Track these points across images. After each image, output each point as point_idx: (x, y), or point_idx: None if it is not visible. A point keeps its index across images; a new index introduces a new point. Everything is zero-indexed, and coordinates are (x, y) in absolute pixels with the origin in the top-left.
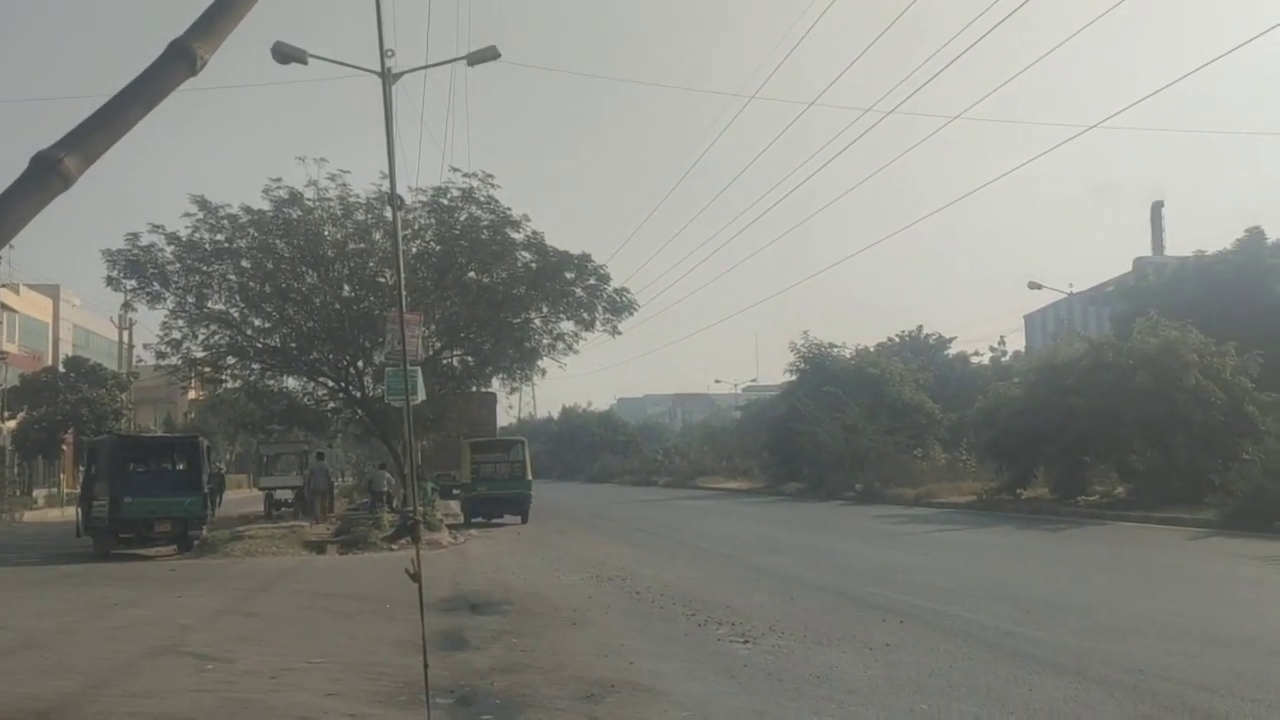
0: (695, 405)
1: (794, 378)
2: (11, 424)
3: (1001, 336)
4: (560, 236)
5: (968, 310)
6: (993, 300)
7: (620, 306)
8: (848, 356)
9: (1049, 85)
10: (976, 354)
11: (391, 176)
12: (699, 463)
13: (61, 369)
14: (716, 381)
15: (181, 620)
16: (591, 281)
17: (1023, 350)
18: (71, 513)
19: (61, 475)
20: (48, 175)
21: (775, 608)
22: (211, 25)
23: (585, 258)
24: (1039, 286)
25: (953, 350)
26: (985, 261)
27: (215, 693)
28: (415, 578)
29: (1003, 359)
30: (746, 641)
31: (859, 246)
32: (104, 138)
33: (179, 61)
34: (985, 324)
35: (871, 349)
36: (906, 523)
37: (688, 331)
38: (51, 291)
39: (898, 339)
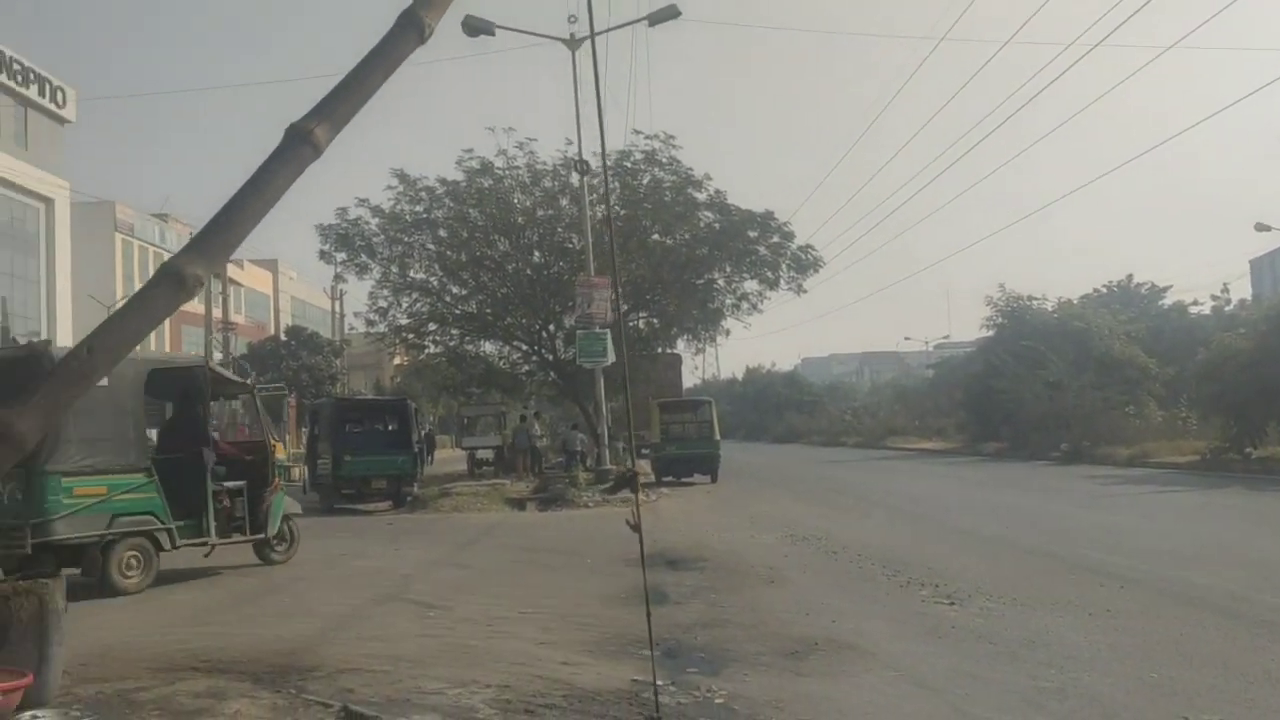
0: (883, 364)
1: (991, 333)
2: None
3: (1225, 284)
4: (743, 194)
5: (1185, 256)
6: (1213, 245)
7: (805, 264)
8: (1049, 309)
9: (1274, 7)
10: (1196, 303)
11: (579, 142)
12: (889, 422)
13: (283, 337)
14: (906, 339)
15: (402, 570)
16: (775, 239)
17: (1249, 298)
18: (297, 471)
19: (287, 436)
20: (300, 145)
21: (981, 569)
22: None
23: (768, 215)
24: (1267, 228)
25: (1168, 300)
26: (1204, 203)
27: (438, 638)
28: (636, 528)
29: (1226, 308)
30: (953, 603)
31: (1060, 192)
32: (348, 108)
33: (409, 31)
34: (1204, 271)
35: (1075, 301)
36: (1120, 484)
37: (875, 288)
38: (271, 266)
39: (1105, 289)
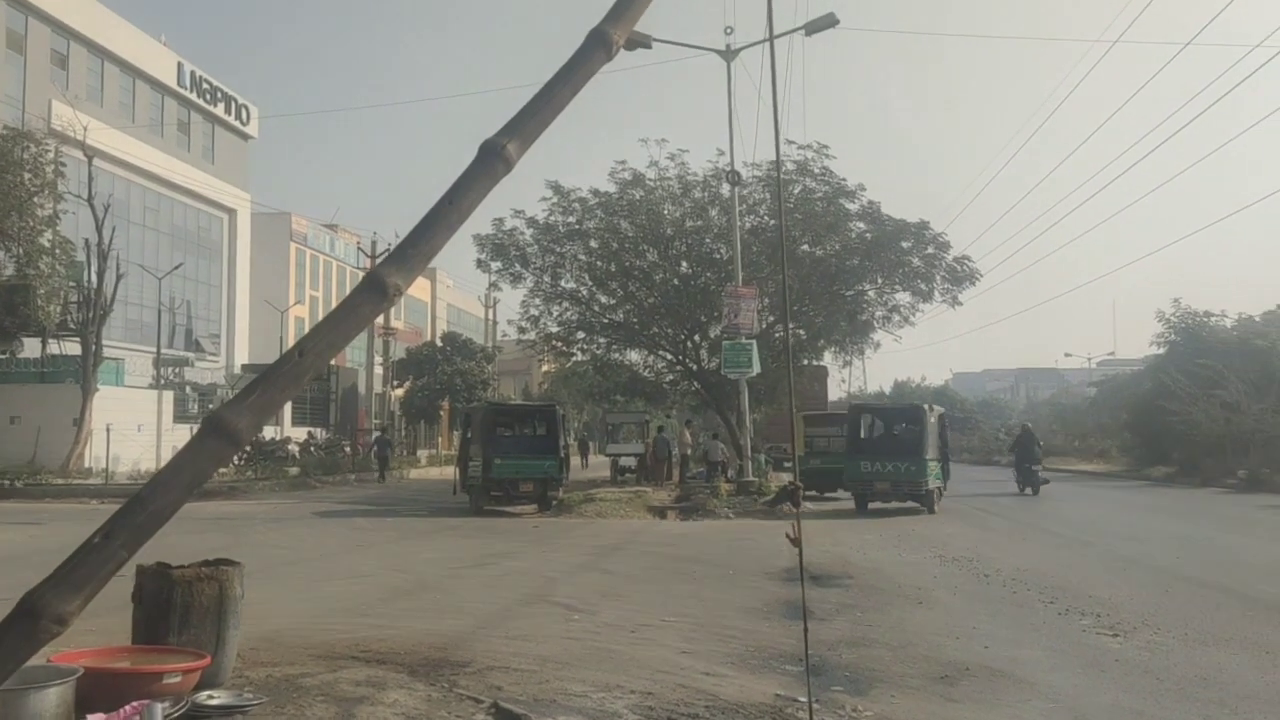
0: (1041, 380)
1: (1161, 350)
2: (400, 392)
3: None
4: (897, 204)
5: None
6: None
7: (961, 276)
8: (1228, 326)
9: None
10: None
11: (731, 153)
12: (1047, 443)
13: (439, 343)
14: (1066, 355)
15: (547, 572)
16: (929, 250)
17: None
18: (449, 471)
19: (440, 438)
20: (494, 160)
21: (1147, 600)
22: (624, 12)
23: (923, 225)
24: None
25: None
26: None
27: (582, 641)
28: (796, 543)
29: None
30: (1116, 635)
31: (1243, 202)
32: (538, 123)
33: (598, 48)
34: None
35: (1258, 318)
36: None
37: (1034, 301)
38: (429, 274)
39: None
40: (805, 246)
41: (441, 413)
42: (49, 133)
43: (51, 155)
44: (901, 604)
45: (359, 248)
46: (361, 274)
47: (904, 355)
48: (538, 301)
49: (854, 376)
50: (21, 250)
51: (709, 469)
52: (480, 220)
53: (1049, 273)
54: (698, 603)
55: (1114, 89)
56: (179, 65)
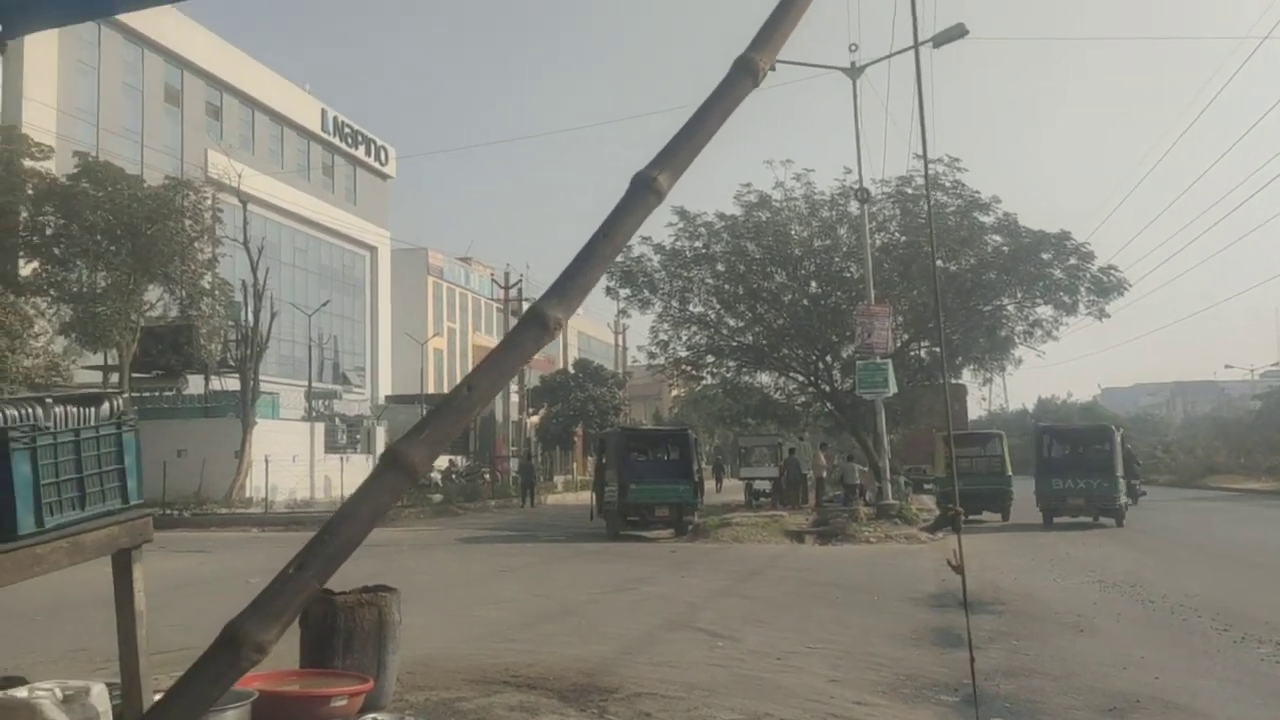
0: (1199, 394)
1: None
2: (535, 419)
3: None
4: (1035, 215)
5: None
6: None
7: (1107, 287)
8: None
9: None
10: None
11: (860, 170)
12: (1208, 459)
13: (571, 370)
14: (1227, 367)
15: (688, 598)
16: (1072, 261)
17: None
18: (584, 497)
19: (574, 463)
20: (645, 192)
21: None
22: (769, 38)
23: (1064, 236)
24: None
25: None
26: None
27: (728, 668)
28: (958, 569)
29: None
30: None
31: None
32: (687, 154)
33: (744, 76)
34: None
35: None
36: None
37: (1189, 311)
38: None
39: None
40: (939, 262)
41: (575, 438)
42: (206, 181)
43: (209, 202)
44: (1060, 631)
45: (493, 279)
46: (495, 305)
47: (1047, 371)
48: (666, 326)
49: (994, 394)
50: (185, 293)
51: (846, 492)
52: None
53: (1205, 280)
54: (843, 629)
55: (1270, 84)
56: (323, 112)
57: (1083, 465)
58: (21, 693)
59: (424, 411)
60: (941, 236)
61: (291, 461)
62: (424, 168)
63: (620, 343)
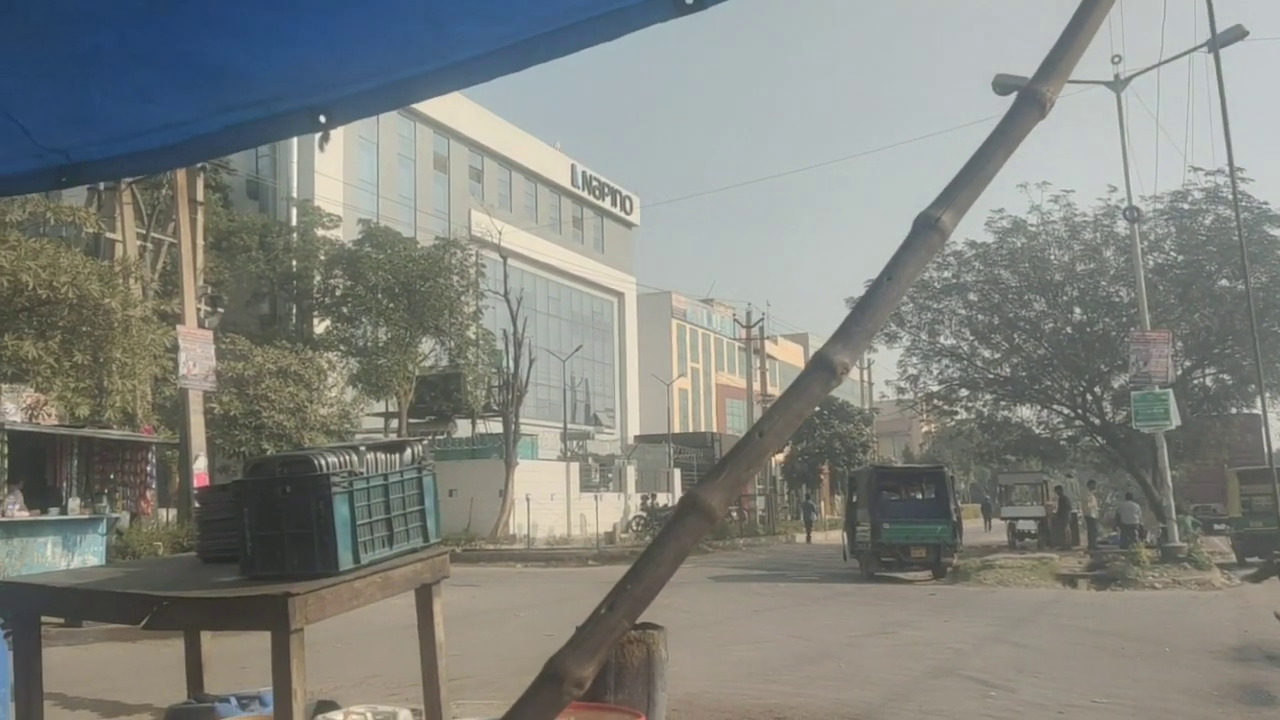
0: None
1: None
2: (780, 457)
3: None
4: None
5: None
6: None
7: None
8: None
9: None
10: None
11: (1128, 188)
12: None
13: (816, 408)
14: None
15: (953, 644)
16: None
17: None
18: (833, 535)
19: (821, 502)
20: (929, 232)
21: None
22: (1056, 66)
23: None
24: None
25: None
26: None
27: None
28: None
29: None
30: None
31: None
32: (971, 192)
33: (1030, 107)
34: None
35: None
36: None
37: None
38: (801, 339)
39: None
40: (1224, 281)
41: (821, 477)
42: (470, 239)
43: (474, 259)
44: None
45: (734, 319)
46: (738, 345)
47: None
48: (915, 360)
49: None
50: (453, 343)
51: (1124, 533)
52: (853, 283)
53: None
54: (1131, 683)
55: None
56: (572, 167)
57: None
58: (337, 717)
59: (671, 451)
60: (1226, 254)
61: (550, 500)
62: (666, 212)
63: (866, 378)
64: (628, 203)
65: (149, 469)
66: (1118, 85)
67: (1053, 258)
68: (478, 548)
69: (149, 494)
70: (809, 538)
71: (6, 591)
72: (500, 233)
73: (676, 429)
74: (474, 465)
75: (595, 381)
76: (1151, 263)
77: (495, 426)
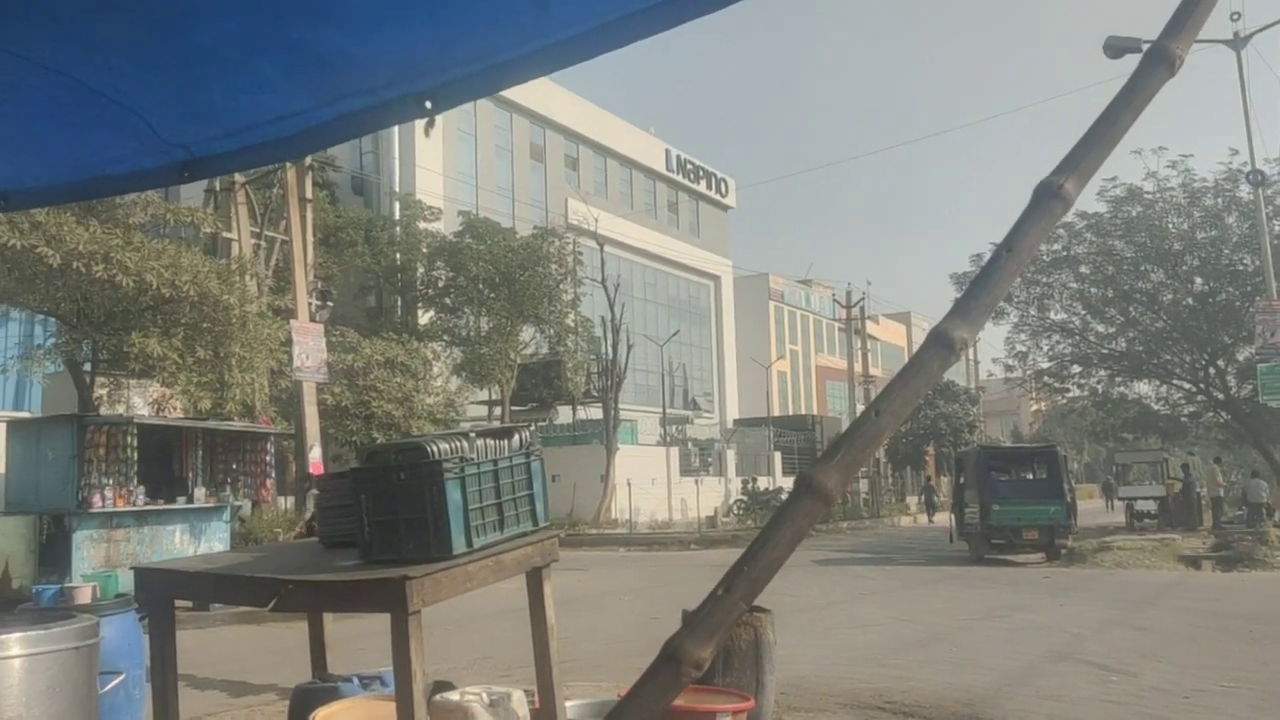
0: None
1: None
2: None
3: None
4: None
5: None
6: None
7: None
8: None
9: None
10: None
11: (1250, 150)
12: None
13: None
14: None
15: (1070, 628)
16: None
17: None
18: (939, 518)
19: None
20: (1050, 201)
21: None
22: (1184, 23)
23: None
24: None
25: None
26: None
27: (1126, 705)
28: None
29: None
30: None
31: None
32: (1096, 157)
33: (1159, 66)
34: None
35: None
36: None
37: None
38: (904, 318)
39: None
40: None
41: (926, 458)
42: (567, 227)
43: (571, 247)
44: None
45: (834, 299)
46: (837, 325)
47: None
48: (1023, 337)
49: None
50: (553, 331)
51: (1250, 511)
52: (958, 257)
53: None
54: (1263, 667)
55: None
56: (666, 151)
57: None
58: (454, 696)
59: (771, 434)
60: None
61: (650, 484)
62: (763, 193)
63: (972, 356)
64: (723, 185)
65: (268, 459)
66: (1238, 43)
67: (1171, 226)
68: (581, 532)
69: (269, 482)
70: (930, 518)
71: (143, 577)
72: (596, 220)
73: (776, 412)
74: (575, 451)
75: (693, 366)
76: (1278, 228)
77: (595, 413)
